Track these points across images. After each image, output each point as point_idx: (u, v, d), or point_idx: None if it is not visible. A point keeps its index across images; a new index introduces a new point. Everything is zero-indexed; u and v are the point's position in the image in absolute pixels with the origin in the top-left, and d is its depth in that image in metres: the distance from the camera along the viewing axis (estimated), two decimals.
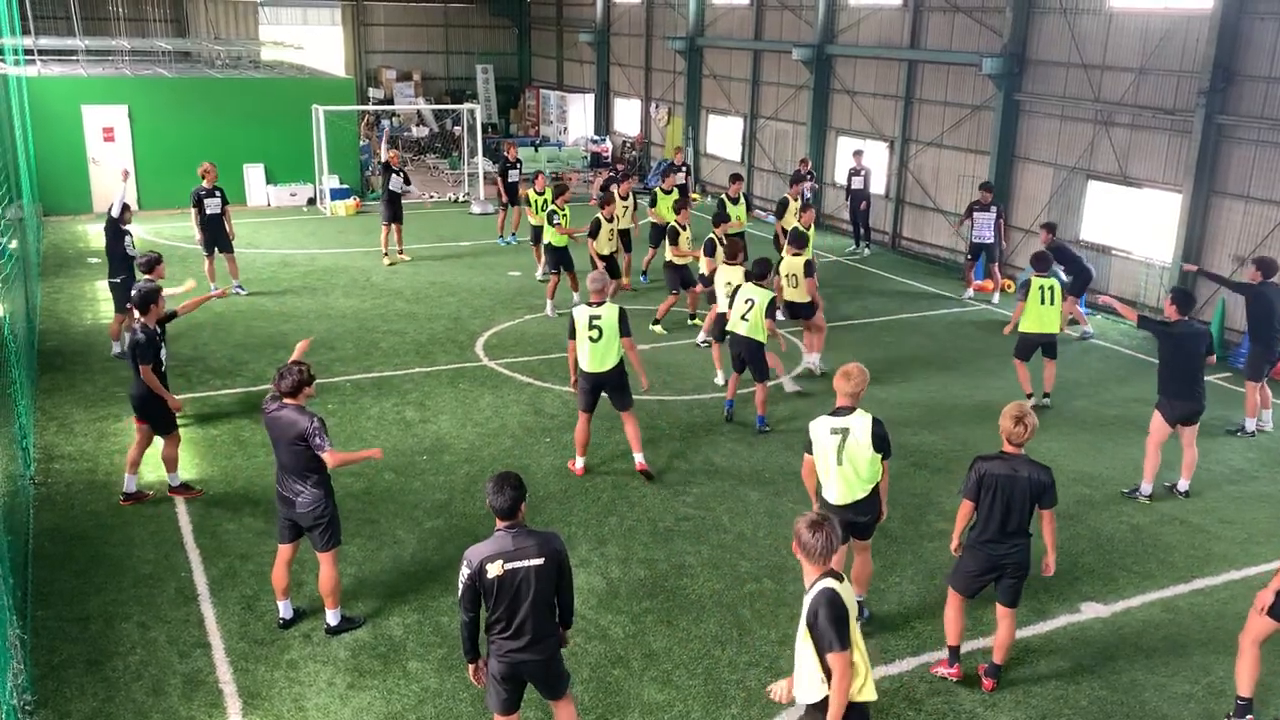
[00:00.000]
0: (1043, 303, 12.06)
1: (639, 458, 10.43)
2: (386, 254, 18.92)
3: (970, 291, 17.90)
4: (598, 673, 7.29)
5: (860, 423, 7.24)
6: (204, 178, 16.05)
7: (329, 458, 7.28)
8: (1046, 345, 12.35)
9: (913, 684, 7.26)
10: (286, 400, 7.35)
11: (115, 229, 13.27)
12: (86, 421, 11.40)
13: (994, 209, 17.23)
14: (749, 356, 11.42)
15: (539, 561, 5.61)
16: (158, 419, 9.44)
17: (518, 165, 20.85)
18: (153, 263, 11.15)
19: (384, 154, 19.26)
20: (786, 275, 13.12)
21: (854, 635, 5.10)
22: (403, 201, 18.96)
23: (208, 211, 16.04)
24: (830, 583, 5.10)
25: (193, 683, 7.07)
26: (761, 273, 11.52)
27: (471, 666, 5.91)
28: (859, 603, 7.42)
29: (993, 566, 7.01)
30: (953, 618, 7.27)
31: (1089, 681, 7.35)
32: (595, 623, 7.88)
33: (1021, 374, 12.51)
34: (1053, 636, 7.89)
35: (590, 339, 9.88)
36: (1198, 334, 9.97)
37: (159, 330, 9.39)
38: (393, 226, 18.73)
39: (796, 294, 13.12)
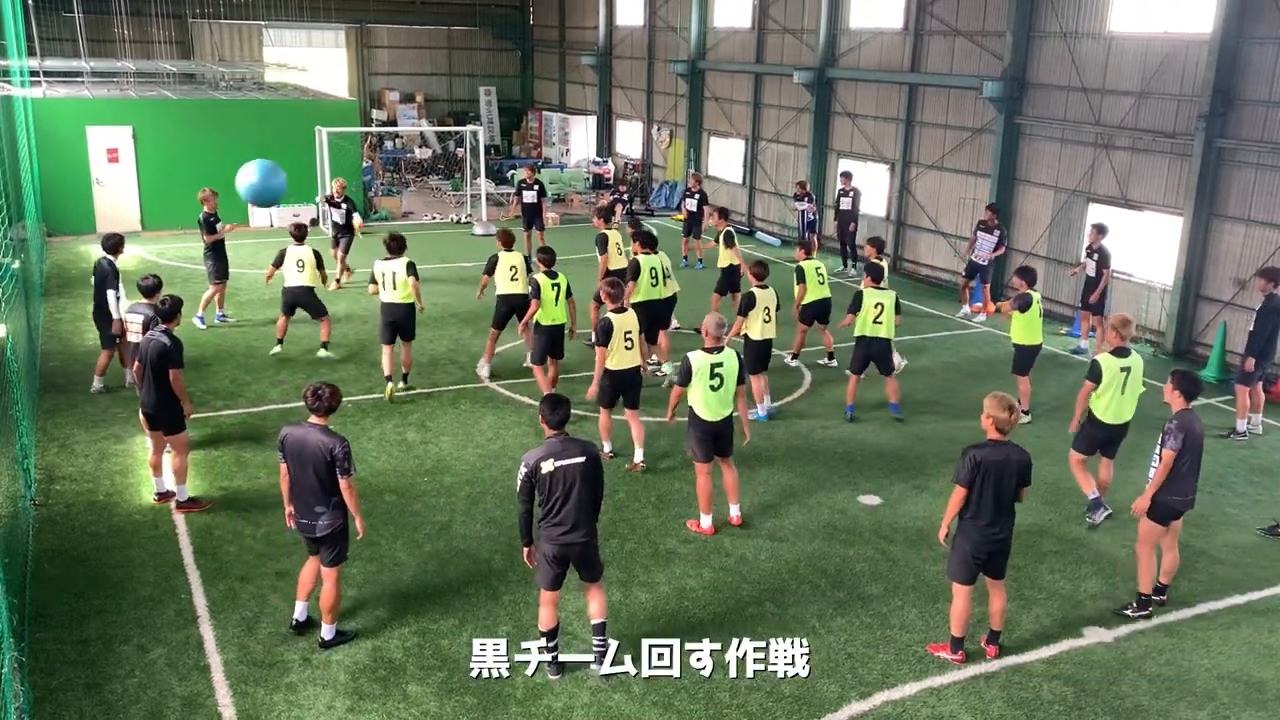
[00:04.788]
0: (874, 316, 12.28)
1: (734, 510, 9.88)
2: (338, 279, 18.77)
3: (966, 309, 17.98)
4: (598, 696, 7.25)
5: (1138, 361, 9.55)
6: (205, 203, 15.46)
7: (345, 486, 7.42)
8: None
9: (915, 709, 7.23)
10: (316, 420, 7.48)
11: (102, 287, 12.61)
12: (88, 442, 11.40)
13: (997, 232, 17.29)
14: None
15: (582, 460, 7.05)
16: (170, 422, 9.66)
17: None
18: (153, 288, 11.10)
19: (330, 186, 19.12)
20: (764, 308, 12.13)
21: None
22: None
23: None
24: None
25: (192, 705, 7.03)
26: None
27: (526, 549, 7.30)
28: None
29: (989, 546, 7.44)
30: (963, 609, 7.62)
31: (1092, 706, 7.31)
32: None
33: (851, 387, 12.75)
34: (1056, 660, 7.86)
35: (711, 387, 9.26)
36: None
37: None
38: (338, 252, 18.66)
39: (769, 329, 12.22)
